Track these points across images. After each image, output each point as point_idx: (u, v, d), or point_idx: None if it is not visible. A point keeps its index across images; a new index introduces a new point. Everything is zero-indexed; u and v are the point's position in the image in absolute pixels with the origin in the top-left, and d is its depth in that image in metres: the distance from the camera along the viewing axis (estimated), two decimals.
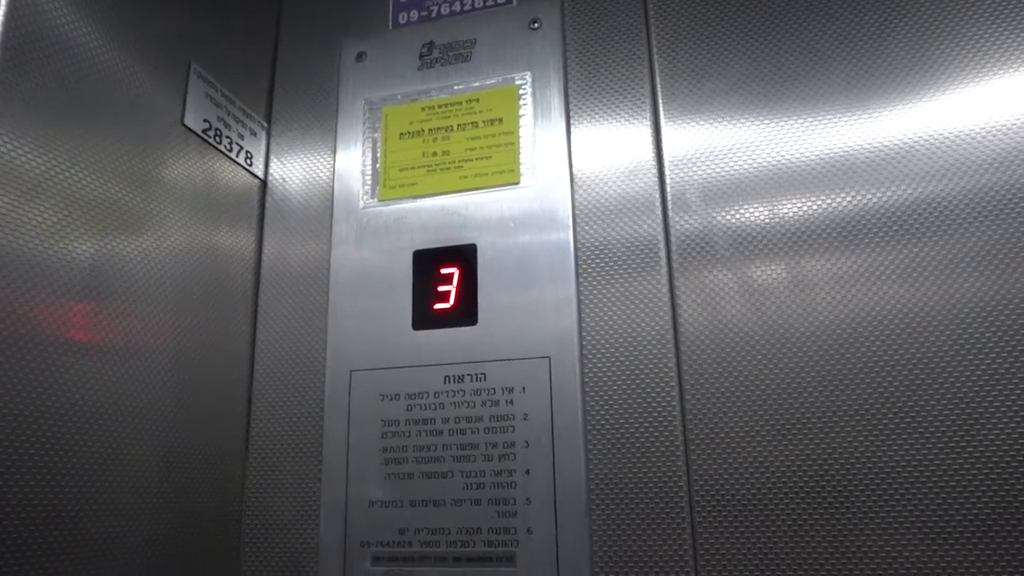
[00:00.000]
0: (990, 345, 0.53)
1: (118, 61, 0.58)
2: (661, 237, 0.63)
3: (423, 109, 0.73)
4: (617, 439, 0.59)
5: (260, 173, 0.76)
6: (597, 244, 0.64)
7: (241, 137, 0.73)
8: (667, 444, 0.58)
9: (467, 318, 0.65)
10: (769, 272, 0.59)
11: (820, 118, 0.62)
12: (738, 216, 0.61)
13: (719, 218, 0.62)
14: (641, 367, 0.60)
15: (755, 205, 0.61)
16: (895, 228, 0.58)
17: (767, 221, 0.61)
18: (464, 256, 0.67)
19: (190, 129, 0.66)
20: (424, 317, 0.66)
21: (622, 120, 0.68)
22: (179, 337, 0.62)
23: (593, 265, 0.64)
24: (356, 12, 0.79)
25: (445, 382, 0.64)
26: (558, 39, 0.71)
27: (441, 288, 0.66)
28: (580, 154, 0.68)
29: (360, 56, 0.77)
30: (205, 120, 0.68)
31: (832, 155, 0.61)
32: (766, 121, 0.63)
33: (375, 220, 0.70)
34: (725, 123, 0.64)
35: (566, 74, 0.70)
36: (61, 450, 0.49)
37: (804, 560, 0.53)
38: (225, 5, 0.74)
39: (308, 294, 0.71)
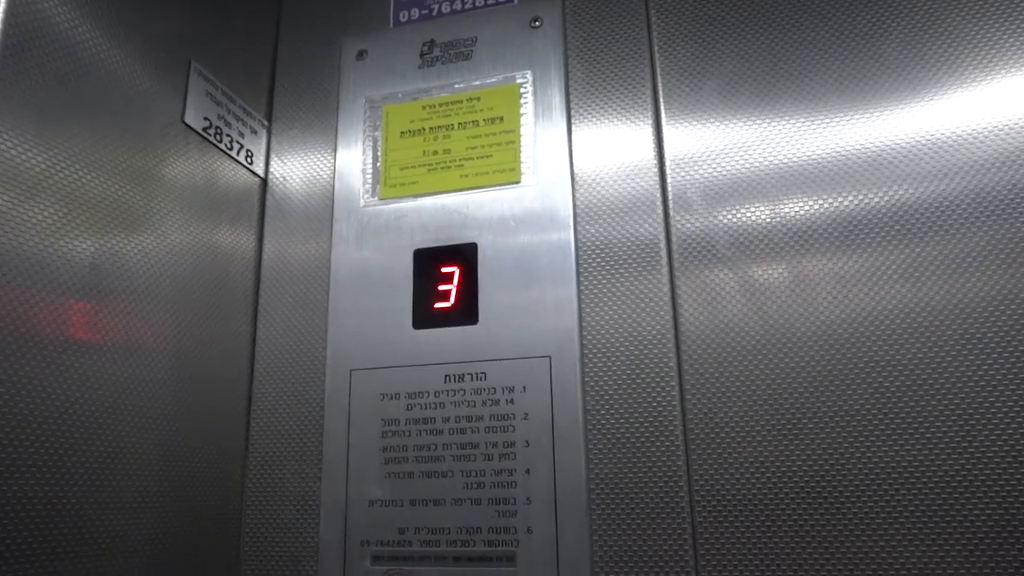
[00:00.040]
0: (991, 346, 0.53)
1: (118, 59, 0.58)
2: (662, 237, 0.63)
3: (424, 108, 0.73)
4: (618, 439, 0.59)
5: (261, 171, 0.76)
6: (598, 243, 0.64)
7: (241, 135, 0.73)
8: (668, 444, 0.58)
9: (467, 317, 0.65)
10: (770, 272, 0.59)
11: (822, 118, 0.62)
12: (739, 216, 0.61)
13: (720, 218, 0.62)
14: (642, 367, 0.60)
15: (757, 205, 0.61)
16: (897, 228, 0.57)
17: (769, 221, 0.60)
18: (465, 255, 0.67)
19: (190, 127, 0.66)
20: (424, 316, 0.66)
21: (623, 119, 0.67)
22: (179, 336, 0.62)
23: (594, 264, 0.64)
24: (357, 10, 0.79)
25: (445, 381, 0.64)
26: (559, 38, 0.71)
27: (441, 287, 0.66)
28: (581, 153, 0.67)
29: (361, 54, 0.77)
30: (205, 118, 0.68)
31: (834, 155, 0.61)
32: (768, 121, 0.63)
33: (376, 219, 0.70)
34: (727, 123, 0.64)
35: (567, 73, 0.70)
36: (62, 449, 0.49)
37: (804, 560, 0.53)
38: (225, 3, 0.73)
39: (308, 293, 0.71)
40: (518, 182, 0.67)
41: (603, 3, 0.71)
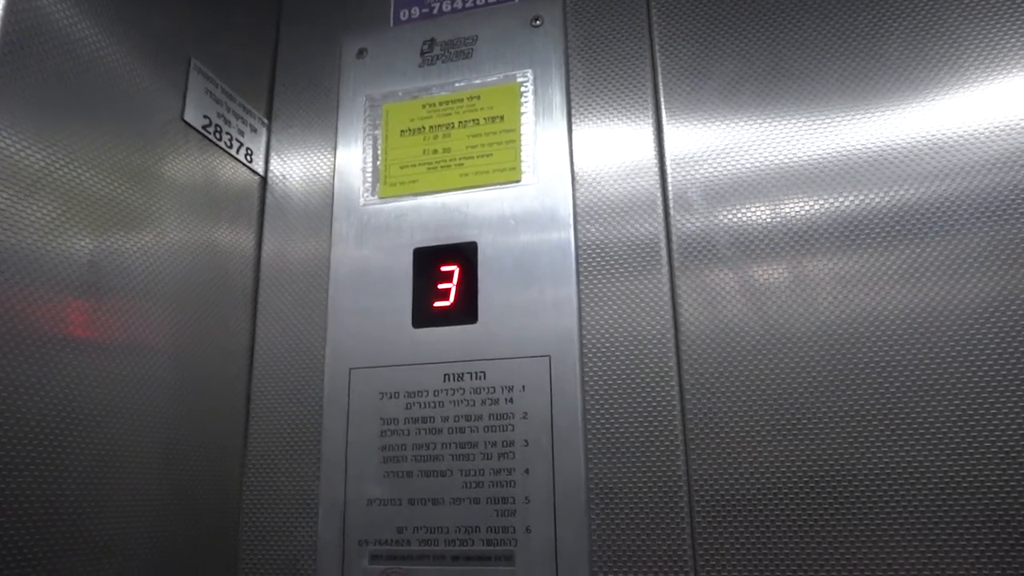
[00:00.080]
0: (992, 346, 0.53)
1: (118, 57, 0.58)
2: (662, 236, 0.63)
3: (424, 106, 0.73)
4: (617, 439, 0.59)
5: (260, 170, 0.76)
6: (598, 243, 0.64)
7: (241, 133, 0.73)
8: (667, 444, 0.58)
9: (467, 316, 0.65)
10: (771, 272, 0.59)
11: (823, 118, 0.62)
12: (740, 216, 0.61)
13: (721, 218, 0.62)
14: (641, 367, 0.60)
15: (757, 205, 0.61)
16: (898, 229, 0.57)
17: (769, 221, 0.60)
18: (464, 254, 0.67)
19: (190, 125, 0.66)
20: (424, 315, 0.66)
21: (624, 118, 0.67)
22: (178, 334, 0.62)
23: (594, 264, 0.64)
24: (357, 8, 0.79)
25: (445, 380, 0.64)
26: (560, 36, 0.71)
27: (441, 286, 0.66)
28: (581, 152, 0.67)
29: (361, 53, 0.76)
30: (205, 116, 0.68)
31: (835, 155, 0.60)
32: (769, 120, 0.63)
33: (375, 217, 0.70)
34: (728, 122, 0.64)
35: (568, 72, 0.70)
36: (60, 448, 0.49)
37: (804, 561, 0.53)
38: (226, 1, 0.73)
39: (308, 291, 0.71)
40: (518, 181, 0.67)
41: (604, 2, 0.71)
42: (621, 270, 0.63)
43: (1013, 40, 0.59)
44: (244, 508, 0.67)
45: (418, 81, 0.74)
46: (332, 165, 0.74)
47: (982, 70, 0.59)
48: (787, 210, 0.60)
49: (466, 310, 0.65)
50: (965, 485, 0.52)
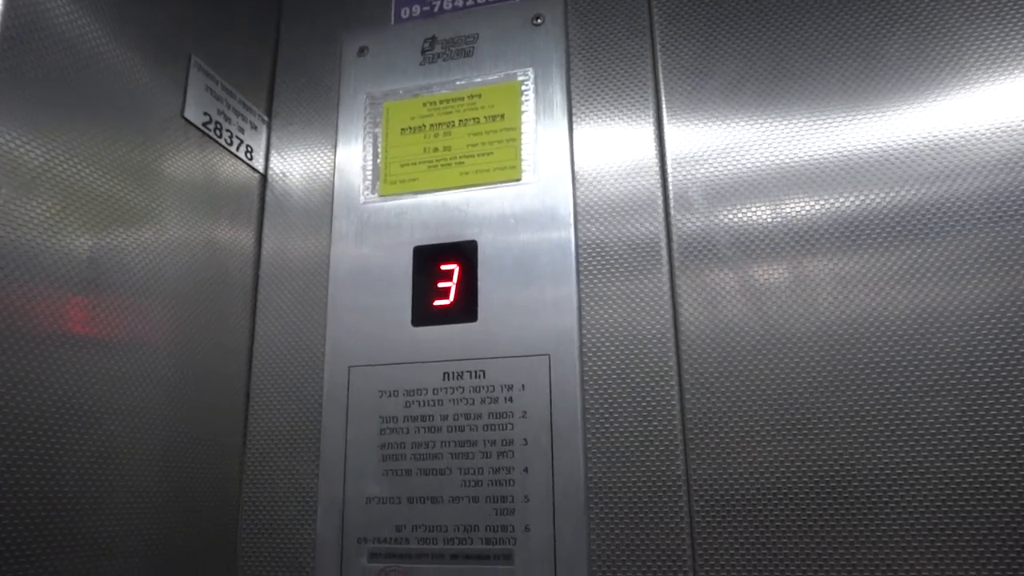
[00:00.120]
0: (992, 347, 0.53)
1: (118, 53, 0.58)
2: (663, 236, 0.63)
3: (424, 104, 0.73)
4: (616, 438, 0.59)
5: (260, 167, 0.76)
6: (598, 242, 0.64)
7: (241, 131, 0.73)
8: (666, 444, 0.58)
9: (467, 315, 0.65)
10: (771, 272, 0.59)
11: (824, 118, 0.62)
12: (741, 216, 0.61)
13: (721, 218, 0.62)
14: (641, 366, 0.60)
15: (758, 205, 0.61)
16: (899, 229, 0.57)
17: (770, 221, 0.60)
18: (464, 253, 0.66)
19: (190, 122, 0.66)
20: (424, 313, 0.66)
21: (624, 118, 0.67)
22: (177, 331, 0.62)
23: (594, 263, 0.64)
24: (358, 6, 0.79)
25: (444, 379, 0.64)
26: (561, 35, 0.70)
27: (441, 284, 0.66)
28: (582, 151, 0.67)
29: (362, 51, 0.76)
30: (205, 113, 0.68)
31: (836, 155, 0.60)
32: (770, 120, 0.63)
33: (375, 216, 0.70)
34: (729, 122, 0.64)
35: (568, 70, 0.70)
36: (59, 445, 0.49)
37: (803, 561, 0.53)
38: None
39: (307, 289, 0.71)
40: (519, 180, 0.67)
41: (606, 1, 0.71)
42: (621, 269, 0.63)
43: (1015, 41, 0.59)
44: (243, 506, 0.67)
45: (419, 79, 0.74)
46: (332, 163, 0.74)
47: (984, 71, 0.59)
48: (788, 210, 0.60)
49: (466, 309, 0.65)
50: (965, 486, 0.52)
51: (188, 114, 0.66)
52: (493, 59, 0.72)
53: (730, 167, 0.63)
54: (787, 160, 0.61)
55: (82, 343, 0.52)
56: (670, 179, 0.64)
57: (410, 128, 0.72)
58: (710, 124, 0.64)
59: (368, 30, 0.77)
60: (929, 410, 0.53)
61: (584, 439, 0.60)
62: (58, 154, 0.51)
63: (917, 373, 0.54)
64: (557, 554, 0.58)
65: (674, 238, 0.62)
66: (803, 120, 0.62)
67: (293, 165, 0.76)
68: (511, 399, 0.62)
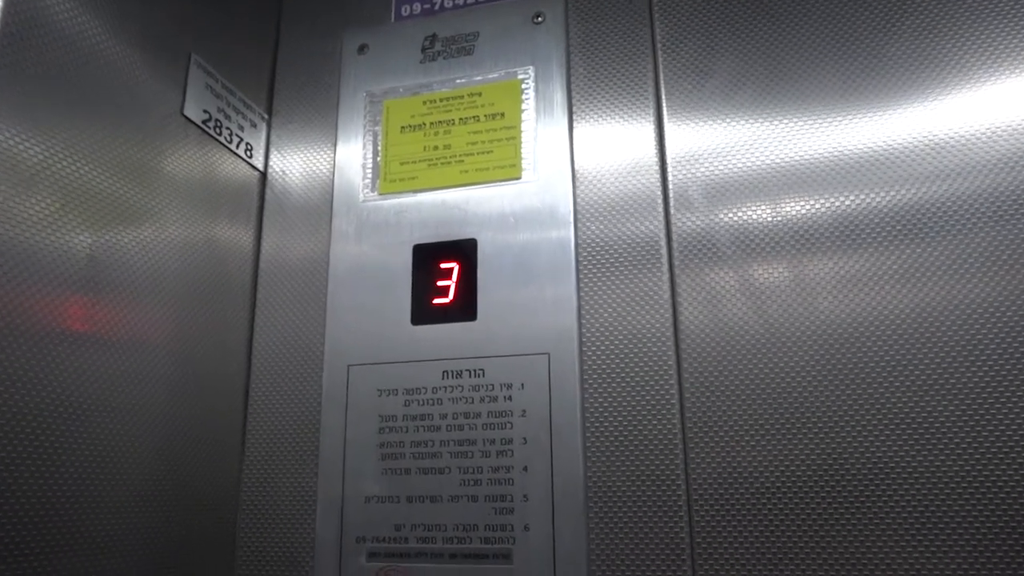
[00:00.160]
0: (992, 347, 0.53)
1: (118, 50, 0.58)
2: (663, 235, 0.63)
3: (425, 103, 0.72)
4: (616, 437, 0.59)
5: (260, 165, 0.76)
6: (598, 241, 0.64)
7: (241, 129, 0.73)
8: (666, 443, 0.58)
9: (466, 314, 0.65)
10: (771, 272, 0.59)
11: (825, 117, 0.61)
12: (741, 215, 0.61)
13: (721, 217, 0.61)
14: (641, 365, 0.60)
15: (758, 204, 0.61)
16: (899, 229, 0.57)
17: (770, 221, 0.60)
18: (464, 251, 0.66)
19: (190, 120, 0.66)
20: (423, 312, 0.66)
21: (625, 116, 0.67)
22: (176, 330, 0.62)
23: (594, 262, 0.64)
24: (358, 4, 0.79)
25: (443, 377, 0.64)
26: (561, 33, 0.70)
27: (440, 283, 0.66)
28: (582, 150, 0.67)
29: (362, 48, 0.76)
30: (205, 111, 0.68)
31: (836, 155, 0.60)
32: (771, 119, 0.63)
33: (375, 214, 0.70)
34: (729, 121, 0.64)
35: (569, 69, 0.70)
36: (58, 444, 0.49)
37: (802, 560, 0.53)
38: None
39: (307, 288, 0.71)
40: (518, 178, 0.67)
41: None
42: (621, 268, 0.63)
43: (1016, 41, 0.58)
44: (242, 505, 0.67)
45: (419, 77, 0.73)
46: (332, 161, 0.74)
47: (984, 71, 0.59)
48: (788, 209, 0.60)
49: (465, 307, 0.65)
50: (964, 485, 0.52)
51: (188, 112, 0.65)
52: (493, 57, 0.72)
53: (730, 166, 0.63)
54: (787, 159, 0.61)
55: (81, 341, 0.52)
56: (670, 178, 0.64)
57: (410, 126, 0.72)
58: (710, 123, 0.64)
59: (368, 28, 0.77)
60: (928, 409, 0.53)
61: (583, 438, 0.60)
62: (57, 151, 0.51)
63: (916, 372, 0.54)
64: (556, 553, 0.57)
65: (674, 237, 0.62)
66: (804, 119, 0.62)
67: (293, 163, 0.76)
68: (510, 398, 0.61)
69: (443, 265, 0.66)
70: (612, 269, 0.63)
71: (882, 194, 0.58)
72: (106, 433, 0.54)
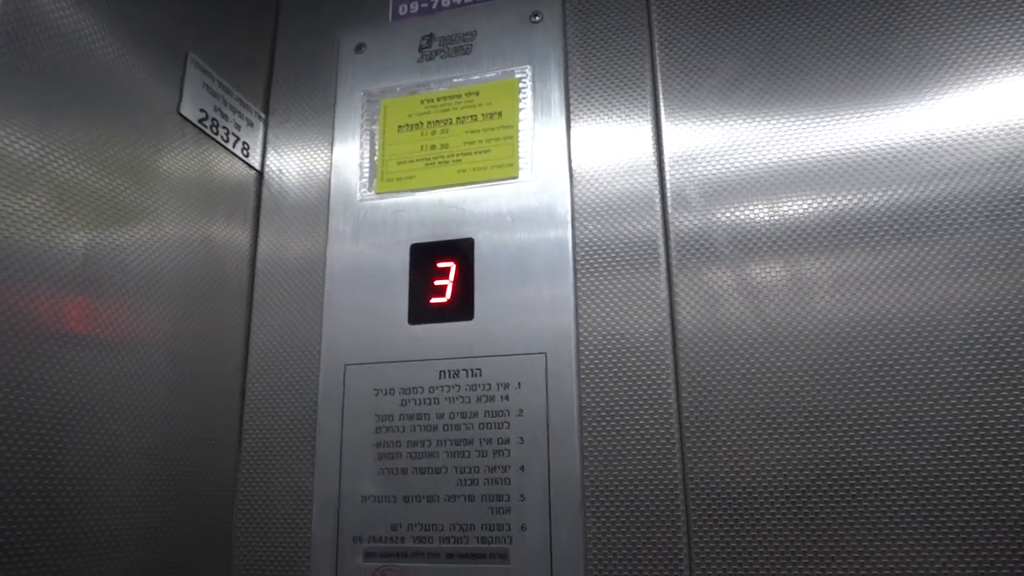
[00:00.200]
0: (989, 346, 0.53)
1: (114, 49, 0.57)
2: (660, 235, 0.63)
3: (422, 102, 0.72)
4: (613, 437, 0.59)
5: (257, 164, 0.75)
6: (595, 241, 0.64)
7: (238, 127, 0.73)
8: (663, 443, 0.58)
9: (463, 313, 0.64)
10: (769, 272, 0.59)
11: (823, 116, 0.61)
12: (738, 215, 0.61)
13: (719, 216, 0.61)
14: (638, 365, 0.60)
15: (756, 204, 0.61)
16: (896, 228, 0.57)
17: (768, 220, 0.60)
18: (461, 251, 0.66)
19: (186, 118, 0.66)
20: (420, 311, 0.66)
21: (622, 116, 0.67)
22: (173, 329, 0.62)
23: (591, 262, 0.64)
24: (356, 3, 0.79)
25: (440, 377, 0.63)
26: (559, 33, 0.70)
27: (438, 282, 0.66)
28: (580, 149, 0.67)
29: (359, 48, 0.76)
30: (202, 110, 0.68)
31: (834, 154, 0.60)
32: (768, 119, 0.63)
33: (372, 213, 0.70)
34: (727, 120, 0.64)
35: (567, 68, 0.70)
36: (57, 445, 0.49)
37: (799, 559, 0.53)
38: None
39: (303, 287, 0.70)
40: (516, 178, 0.67)
41: None
42: (618, 268, 0.63)
43: (1014, 40, 0.58)
44: (238, 504, 0.67)
45: (416, 76, 0.73)
46: (329, 160, 0.74)
47: (980, 70, 0.59)
48: (785, 209, 0.60)
49: (462, 307, 0.65)
50: (962, 484, 0.52)
51: (184, 110, 0.65)
52: (491, 56, 0.72)
53: (728, 165, 0.62)
54: (785, 159, 0.61)
55: (76, 341, 0.52)
56: (668, 177, 0.64)
57: (407, 125, 0.72)
58: (708, 122, 0.64)
59: (366, 27, 0.77)
60: (926, 408, 0.53)
61: (580, 437, 0.59)
62: (53, 150, 0.51)
63: (914, 371, 0.54)
64: (553, 553, 0.57)
65: (671, 237, 0.62)
66: (801, 118, 0.62)
67: (290, 162, 0.75)
68: (507, 397, 0.61)
69: (440, 264, 0.66)
70: (609, 269, 0.63)
71: (879, 193, 0.58)
72: (104, 433, 0.53)
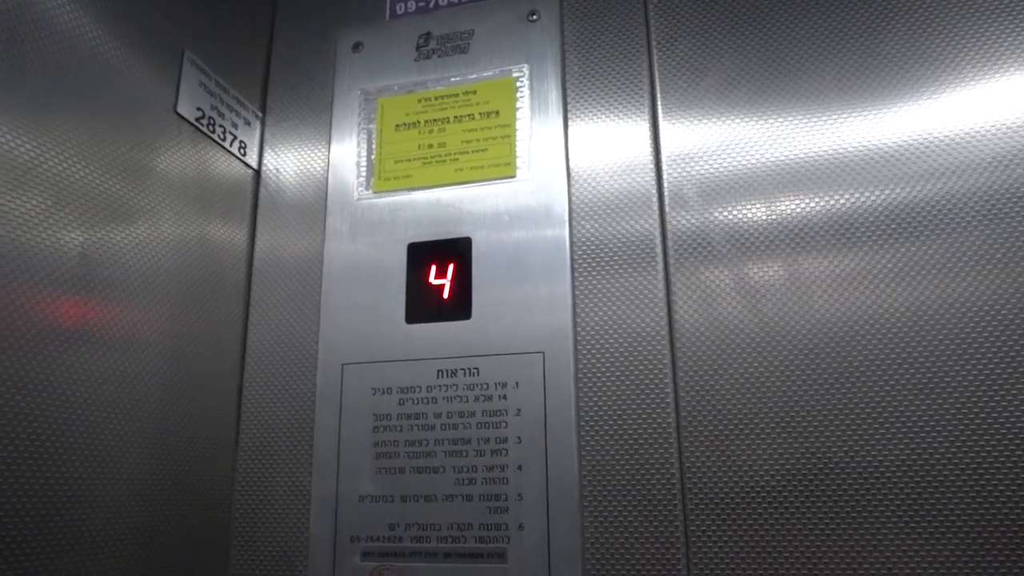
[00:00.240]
0: (987, 345, 0.53)
1: (111, 47, 0.57)
2: (658, 234, 0.63)
3: (419, 101, 0.72)
4: (611, 436, 0.59)
5: (254, 163, 0.75)
6: (593, 240, 0.64)
7: (235, 126, 0.73)
8: (661, 442, 0.58)
9: (461, 312, 0.64)
10: (766, 271, 0.59)
11: (820, 116, 0.61)
12: (736, 214, 0.61)
13: (716, 216, 0.61)
14: (636, 364, 0.60)
15: (753, 203, 0.61)
16: (893, 228, 0.57)
17: (765, 219, 0.60)
18: (459, 250, 0.66)
19: (183, 117, 0.65)
20: (417, 311, 0.65)
21: (620, 115, 0.67)
22: (170, 329, 0.62)
23: (589, 261, 0.64)
24: (353, 2, 0.78)
25: (438, 376, 0.63)
26: (556, 32, 0.70)
27: (435, 282, 0.66)
28: (577, 149, 0.67)
29: (357, 46, 0.76)
30: (199, 108, 0.67)
31: (832, 153, 0.60)
32: (765, 118, 0.63)
33: (369, 212, 0.70)
34: (724, 120, 0.64)
35: (564, 67, 0.70)
36: (56, 445, 0.49)
37: (797, 559, 0.53)
38: None
39: (301, 286, 0.70)
40: (513, 177, 0.67)
41: None
42: (616, 267, 0.63)
43: (1011, 39, 0.58)
44: (236, 504, 0.66)
45: (413, 75, 0.73)
46: (326, 159, 0.74)
47: (977, 69, 0.59)
48: (783, 208, 0.60)
49: (460, 306, 0.65)
50: (958, 483, 0.52)
51: (181, 109, 0.65)
52: (488, 55, 0.72)
53: (725, 165, 0.63)
54: (782, 158, 0.61)
55: (74, 340, 0.52)
56: (665, 176, 0.64)
57: (404, 124, 0.72)
58: (706, 122, 0.64)
59: (363, 26, 0.77)
60: (923, 407, 0.53)
61: (578, 437, 0.59)
62: (49, 149, 0.51)
63: (911, 371, 0.54)
64: (551, 552, 0.57)
65: (669, 236, 0.62)
66: (798, 118, 0.62)
67: (287, 161, 0.75)
68: (505, 397, 0.61)
69: (438, 264, 0.66)
70: (607, 268, 0.63)
71: (876, 193, 0.58)
72: (101, 432, 0.53)
